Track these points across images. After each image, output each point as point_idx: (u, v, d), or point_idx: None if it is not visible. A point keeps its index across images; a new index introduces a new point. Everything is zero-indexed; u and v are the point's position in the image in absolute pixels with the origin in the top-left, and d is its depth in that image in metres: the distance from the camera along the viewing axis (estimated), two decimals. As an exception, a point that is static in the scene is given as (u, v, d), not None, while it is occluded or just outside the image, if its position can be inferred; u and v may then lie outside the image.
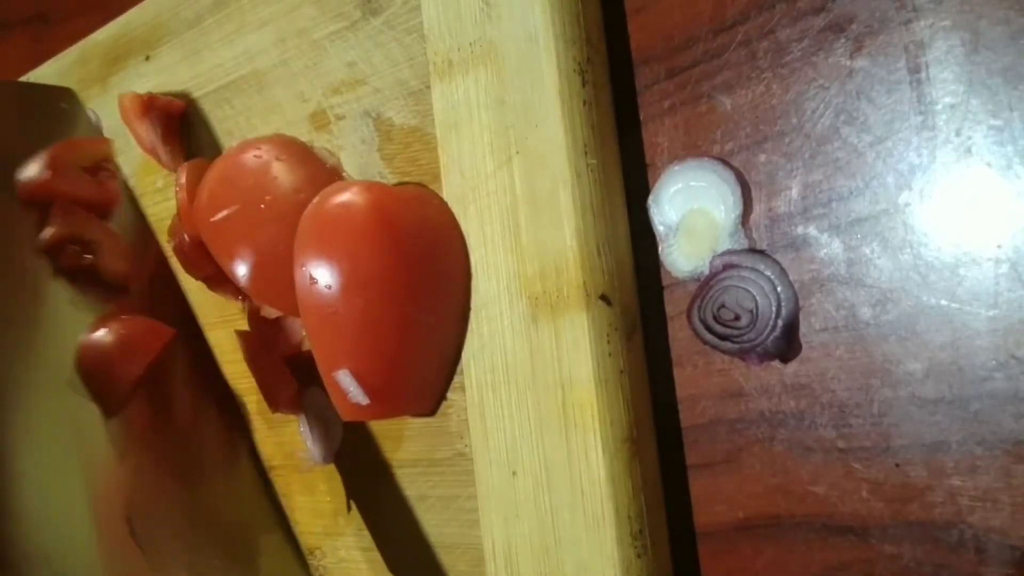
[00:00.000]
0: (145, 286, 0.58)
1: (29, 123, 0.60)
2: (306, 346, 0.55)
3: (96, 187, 0.58)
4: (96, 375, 0.50)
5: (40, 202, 0.54)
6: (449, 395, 0.50)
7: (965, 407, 0.38)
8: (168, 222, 0.63)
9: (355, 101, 0.54)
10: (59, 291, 0.53)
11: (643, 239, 0.46)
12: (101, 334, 0.51)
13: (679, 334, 0.45)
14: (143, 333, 0.53)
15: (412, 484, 0.52)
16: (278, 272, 0.51)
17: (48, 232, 0.53)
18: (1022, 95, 0.37)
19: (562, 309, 0.43)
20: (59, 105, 0.64)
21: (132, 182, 0.70)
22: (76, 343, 0.51)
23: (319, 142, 0.56)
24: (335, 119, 0.55)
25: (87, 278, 0.54)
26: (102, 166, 0.59)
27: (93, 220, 0.55)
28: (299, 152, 0.56)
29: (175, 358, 0.54)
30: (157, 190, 0.67)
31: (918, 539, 0.39)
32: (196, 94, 0.64)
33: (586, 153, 0.44)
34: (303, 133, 0.57)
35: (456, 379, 0.49)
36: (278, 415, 0.58)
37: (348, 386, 0.47)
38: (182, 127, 0.65)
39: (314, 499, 0.58)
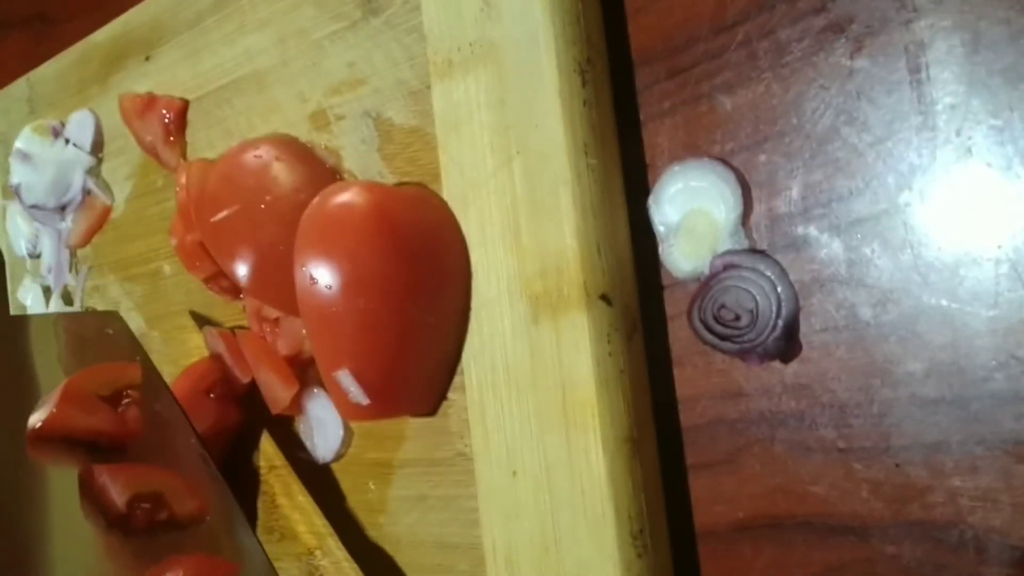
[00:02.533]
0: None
1: (74, 357, 0.57)
2: (306, 346, 0.55)
3: (112, 417, 0.52)
4: None
5: (48, 439, 0.50)
6: (449, 395, 0.50)
7: (965, 407, 0.38)
8: (168, 222, 0.63)
9: (355, 101, 0.54)
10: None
11: (643, 239, 0.46)
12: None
13: (679, 334, 0.45)
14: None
15: (412, 484, 0.52)
16: (278, 272, 0.51)
17: (115, 493, 0.49)
18: (1022, 95, 0.37)
19: (562, 309, 0.43)
20: (104, 331, 0.60)
21: (132, 182, 0.70)
22: None
23: (319, 142, 0.56)
24: (335, 119, 0.55)
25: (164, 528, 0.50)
26: (126, 394, 0.54)
27: (149, 470, 0.51)
28: (299, 152, 0.56)
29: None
30: (157, 190, 0.67)
31: (918, 539, 0.39)
32: (196, 94, 0.64)
33: (586, 153, 0.44)
34: (303, 133, 0.57)
35: (456, 379, 0.49)
36: (278, 415, 0.58)
37: (348, 386, 0.47)
38: (182, 127, 0.65)
39: (315, 498, 0.58)
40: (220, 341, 0.59)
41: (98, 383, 0.53)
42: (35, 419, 0.50)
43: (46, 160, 0.74)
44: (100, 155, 0.73)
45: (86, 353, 0.58)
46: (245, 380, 0.58)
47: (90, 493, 0.48)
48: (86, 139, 0.73)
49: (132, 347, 0.59)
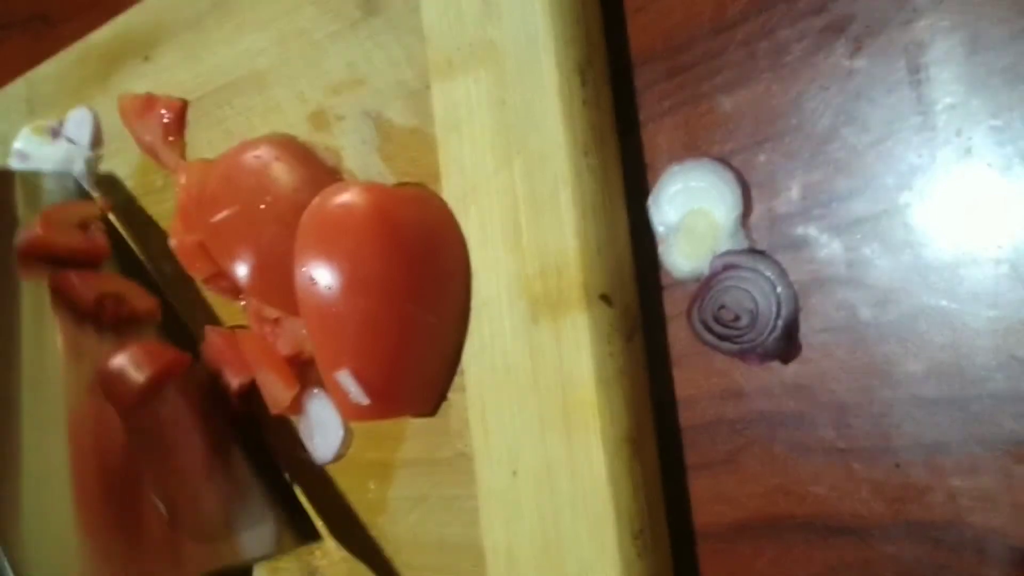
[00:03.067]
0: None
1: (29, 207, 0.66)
2: (307, 346, 0.55)
3: (85, 241, 0.63)
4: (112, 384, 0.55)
5: (36, 256, 0.60)
6: (450, 395, 0.50)
7: (965, 407, 0.38)
8: (168, 222, 0.63)
9: (355, 101, 0.54)
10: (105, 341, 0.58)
11: (643, 240, 0.46)
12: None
13: (679, 334, 0.45)
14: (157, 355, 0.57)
15: (413, 484, 0.52)
16: (278, 272, 0.51)
17: (82, 293, 0.59)
18: (1022, 95, 0.37)
19: (562, 309, 0.43)
20: (64, 187, 0.71)
21: (132, 182, 0.70)
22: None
23: (319, 142, 0.56)
24: (335, 119, 0.55)
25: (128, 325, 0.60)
26: (92, 224, 0.65)
27: (110, 276, 0.62)
28: (299, 153, 0.56)
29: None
30: (157, 190, 0.67)
31: (918, 539, 0.39)
32: (196, 94, 0.64)
33: (586, 153, 0.44)
34: (303, 133, 0.57)
35: (456, 379, 0.49)
36: (279, 415, 0.58)
37: (349, 386, 0.47)
38: (181, 127, 0.65)
39: (315, 499, 0.58)
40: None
41: (68, 215, 0.64)
42: (21, 239, 0.60)
43: (44, 160, 0.74)
44: (99, 152, 0.72)
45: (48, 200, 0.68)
46: (243, 380, 0.58)
47: (62, 294, 0.59)
48: (84, 136, 0.72)
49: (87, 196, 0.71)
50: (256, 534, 0.56)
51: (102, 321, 0.58)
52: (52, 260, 0.60)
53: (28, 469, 0.50)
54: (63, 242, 0.62)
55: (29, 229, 0.61)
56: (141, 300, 0.61)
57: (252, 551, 0.55)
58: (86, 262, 0.62)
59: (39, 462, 0.51)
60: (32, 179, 0.67)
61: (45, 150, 0.75)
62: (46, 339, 0.56)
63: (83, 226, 0.64)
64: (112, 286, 0.61)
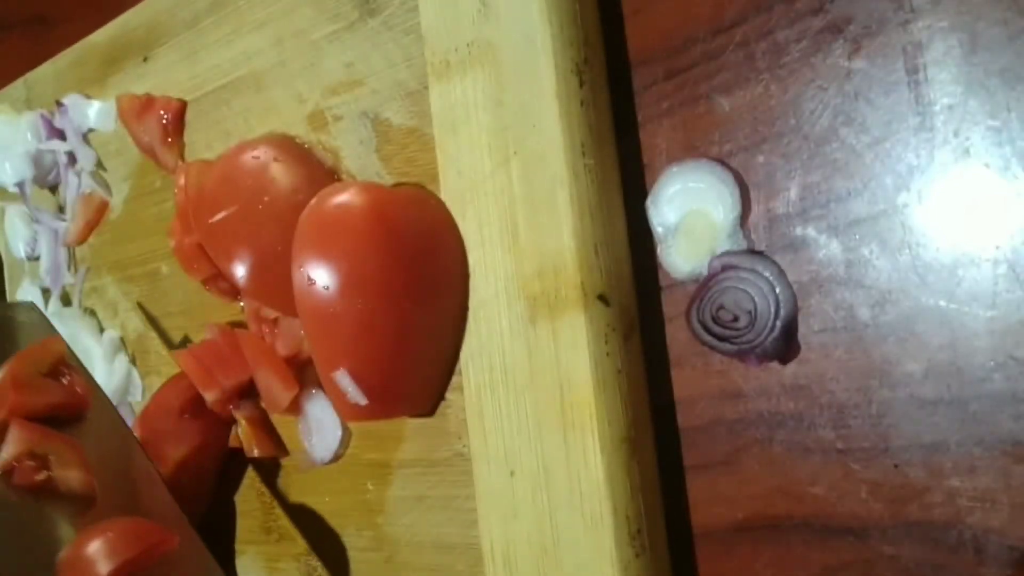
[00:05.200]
0: (126, 486, 0.55)
1: None
2: (305, 347, 0.55)
3: (61, 390, 0.56)
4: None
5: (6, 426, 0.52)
6: (447, 395, 0.50)
7: (964, 408, 0.38)
8: (167, 223, 0.63)
9: (353, 102, 0.54)
10: (23, 512, 0.51)
11: (642, 240, 0.46)
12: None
13: (678, 335, 0.45)
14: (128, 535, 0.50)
15: (411, 484, 0.52)
16: (277, 273, 0.51)
17: (4, 450, 0.51)
18: (1020, 96, 0.37)
19: (560, 309, 0.43)
20: (18, 320, 0.63)
21: (130, 183, 0.70)
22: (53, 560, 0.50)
23: (317, 143, 0.56)
24: (333, 120, 0.55)
25: (50, 494, 0.51)
26: (61, 368, 0.57)
27: (48, 433, 0.52)
28: (297, 153, 0.56)
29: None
30: (156, 191, 0.67)
31: (917, 540, 0.39)
32: (194, 95, 0.64)
33: (584, 154, 0.44)
34: (301, 134, 0.57)
35: (454, 379, 0.49)
36: (278, 415, 0.58)
37: (347, 387, 0.47)
38: (180, 128, 0.65)
39: (314, 499, 0.58)
40: (188, 355, 0.58)
41: (34, 364, 0.55)
42: None
43: (9, 136, 0.75)
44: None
45: (4, 343, 0.60)
46: (241, 379, 0.58)
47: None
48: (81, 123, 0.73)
49: (50, 332, 0.62)
50: None
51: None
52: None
53: None
54: (43, 403, 0.54)
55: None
56: (73, 472, 0.52)
57: None
58: (69, 417, 0.55)
59: None
60: None
61: (9, 127, 0.75)
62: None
63: (54, 373, 0.56)
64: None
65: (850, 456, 0.40)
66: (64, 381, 0.56)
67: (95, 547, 0.48)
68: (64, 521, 0.50)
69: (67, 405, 0.55)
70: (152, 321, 0.66)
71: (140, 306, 0.66)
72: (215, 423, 0.60)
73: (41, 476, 0.50)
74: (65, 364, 0.57)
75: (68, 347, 0.58)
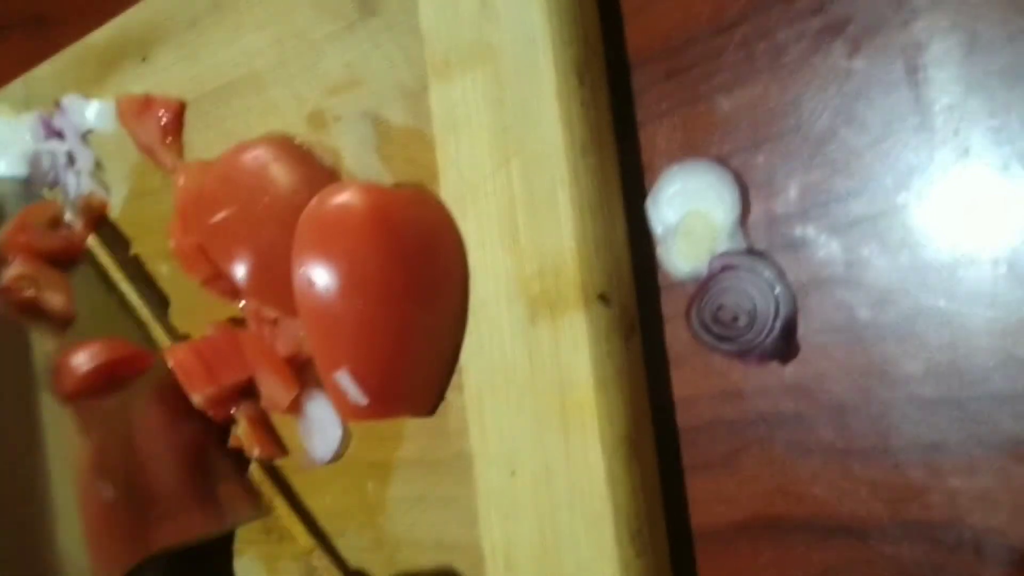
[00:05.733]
0: (105, 321, 0.66)
1: None
2: (305, 347, 0.55)
3: (60, 238, 0.67)
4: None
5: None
6: (448, 395, 0.50)
7: (964, 408, 0.38)
8: (166, 223, 0.63)
9: (353, 102, 0.54)
10: (13, 326, 0.62)
11: (641, 240, 0.46)
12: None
13: (677, 335, 0.45)
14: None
15: (411, 484, 0.52)
16: (277, 273, 0.51)
17: (6, 274, 0.63)
18: (1019, 96, 0.37)
19: (560, 309, 0.43)
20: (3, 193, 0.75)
21: (129, 183, 0.70)
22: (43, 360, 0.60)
23: (317, 143, 0.56)
24: (333, 120, 0.55)
25: (35, 312, 0.63)
26: (59, 221, 0.69)
27: (45, 266, 0.65)
28: (297, 153, 0.56)
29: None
30: (155, 191, 0.67)
31: (917, 540, 0.39)
32: (193, 95, 0.64)
33: (584, 154, 0.44)
34: (301, 134, 0.57)
35: (455, 379, 0.49)
36: (278, 415, 0.58)
37: (347, 387, 0.47)
38: (179, 128, 0.65)
39: (314, 499, 0.58)
40: (189, 349, 0.59)
41: (38, 217, 0.68)
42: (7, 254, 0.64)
43: (7, 136, 0.75)
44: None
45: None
46: (241, 378, 0.58)
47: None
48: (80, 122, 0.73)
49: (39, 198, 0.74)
50: (230, 502, 0.59)
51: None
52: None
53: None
54: (36, 242, 0.66)
55: (4, 232, 0.65)
56: (56, 296, 0.63)
57: (228, 520, 0.59)
58: (66, 261, 0.66)
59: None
60: None
61: (6, 125, 0.76)
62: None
63: (53, 225, 0.68)
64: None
65: (850, 456, 0.40)
66: (62, 232, 0.68)
67: (79, 353, 0.59)
68: (47, 335, 0.61)
69: (64, 250, 0.67)
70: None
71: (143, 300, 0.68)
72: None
73: (29, 293, 0.62)
74: (62, 220, 0.69)
75: (61, 209, 0.70)
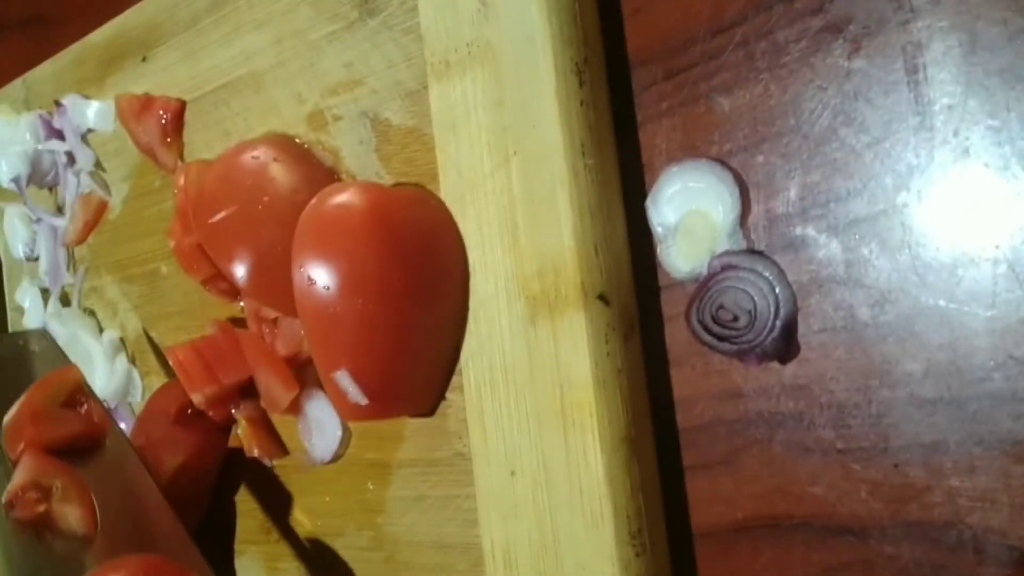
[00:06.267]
0: (136, 517, 0.54)
1: (6, 376, 0.58)
2: (305, 347, 0.55)
3: (78, 420, 0.55)
4: None
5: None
6: (448, 395, 0.50)
7: (963, 407, 0.38)
8: (166, 223, 0.63)
9: (352, 102, 0.54)
10: (24, 545, 0.50)
11: (641, 240, 0.46)
12: None
13: (677, 335, 0.45)
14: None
15: (411, 484, 0.52)
16: (277, 273, 0.51)
17: (9, 486, 0.50)
18: (1019, 96, 0.37)
19: (560, 309, 0.43)
20: (32, 349, 0.63)
21: (129, 183, 0.70)
22: None
23: (317, 143, 0.56)
24: (332, 120, 0.55)
25: (48, 528, 0.50)
26: (78, 396, 0.56)
27: (56, 465, 0.51)
28: (297, 153, 0.56)
29: None
30: (155, 191, 0.67)
31: (917, 539, 0.39)
32: (193, 95, 0.64)
33: (584, 153, 0.44)
34: (301, 134, 0.57)
35: (455, 379, 0.49)
36: (278, 415, 0.58)
37: (347, 387, 0.47)
38: (179, 128, 0.65)
39: (314, 499, 0.58)
40: (189, 349, 0.57)
41: (51, 394, 0.55)
42: (14, 445, 0.51)
43: (8, 136, 0.75)
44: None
45: (20, 372, 0.60)
46: (240, 377, 0.57)
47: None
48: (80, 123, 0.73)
49: (63, 360, 0.62)
50: None
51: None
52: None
53: None
54: (62, 434, 0.53)
55: (13, 425, 0.53)
56: (73, 507, 0.50)
57: None
58: (87, 447, 0.54)
59: None
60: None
61: (8, 127, 0.75)
62: None
63: (71, 402, 0.56)
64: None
65: (850, 456, 0.40)
66: (81, 411, 0.55)
67: None
68: (63, 555, 0.50)
69: (84, 435, 0.55)
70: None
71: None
72: (211, 427, 0.60)
73: (41, 508, 0.49)
74: (82, 392, 0.56)
75: (83, 376, 0.58)
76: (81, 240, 0.74)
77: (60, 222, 0.75)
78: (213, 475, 0.62)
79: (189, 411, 0.59)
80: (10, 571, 0.49)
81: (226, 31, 0.61)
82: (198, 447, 0.59)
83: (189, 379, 0.56)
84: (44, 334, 0.65)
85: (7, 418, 0.53)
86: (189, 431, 0.59)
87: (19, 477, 0.50)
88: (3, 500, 0.49)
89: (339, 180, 0.55)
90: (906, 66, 0.39)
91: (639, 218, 0.45)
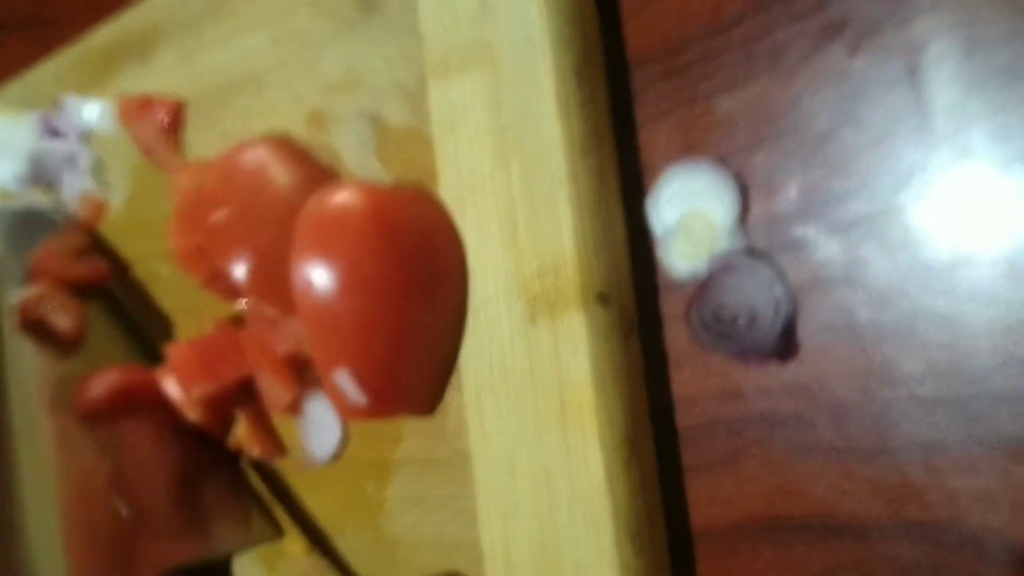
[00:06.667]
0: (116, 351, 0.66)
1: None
2: (304, 346, 0.55)
3: (86, 266, 0.67)
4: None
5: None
6: (447, 395, 0.50)
7: (964, 407, 0.38)
8: (166, 223, 0.63)
9: (352, 102, 0.54)
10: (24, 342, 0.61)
11: (641, 240, 0.46)
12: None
13: (677, 335, 0.45)
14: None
15: (411, 484, 0.52)
16: (276, 273, 0.51)
17: (24, 293, 0.62)
18: (1019, 95, 0.37)
19: (560, 309, 0.43)
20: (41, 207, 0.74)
21: (129, 183, 0.70)
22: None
23: (316, 143, 0.56)
24: (332, 120, 0.55)
25: (46, 332, 0.62)
26: (87, 253, 0.69)
27: (65, 291, 0.64)
28: (296, 153, 0.56)
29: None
30: (155, 191, 0.67)
31: (917, 539, 0.39)
32: (193, 95, 0.64)
33: (583, 154, 0.44)
34: (300, 134, 0.57)
35: (454, 379, 0.49)
36: (278, 415, 0.58)
37: (346, 386, 0.47)
38: (179, 128, 0.65)
39: (314, 499, 0.58)
40: (189, 348, 0.59)
41: (64, 245, 0.68)
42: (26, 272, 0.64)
43: (7, 136, 0.75)
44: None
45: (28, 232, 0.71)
46: (240, 376, 0.57)
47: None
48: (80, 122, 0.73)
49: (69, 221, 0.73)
50: (221, 529, 0.59)
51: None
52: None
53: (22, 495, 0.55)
54: (74, 272, 0.65)
55: (36, 265, 0.64)
56: (65, 319, 0.63)
57: (218, 546, 0.58)
58: (92, 289, 0.66)
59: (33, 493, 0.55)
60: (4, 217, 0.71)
61: (7, 128, 0.75)
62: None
63: (79, 255, 0.68)
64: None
65: (850, 456, 0.40)
66: (87, 263, 0.68)
67: (96, 378, 0.59)
68: (52, 356, 0.61)
69: (91, 277, 0.66)
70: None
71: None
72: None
73: (41, 312, 0.62)
74: (87, 250, 0.69)
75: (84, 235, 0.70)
76: (80, 239, 0.74)
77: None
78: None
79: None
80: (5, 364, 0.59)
81: (226, 31, 0.61)
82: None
83: (189, 377, 0.57)
84: (47, 197, 0.75)
85: (33, 259, 0.65)
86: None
87: (34, 290, 0.62)
88: (18, 304, 0.61)
89: (338, 180, 0.55)
90: (906, 66, 0.39)
91: (639, 218, 0.45)
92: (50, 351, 0.61)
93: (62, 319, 0.62)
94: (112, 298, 0.68)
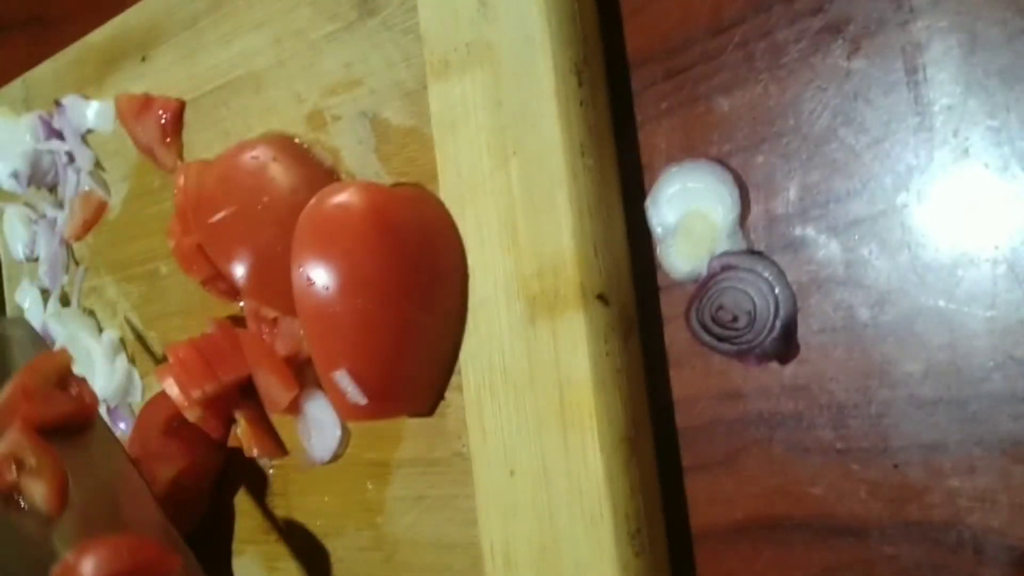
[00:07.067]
0: (120, 499, 0.56)
1: None
2: (304, 347, 0.55)
3: (70, 400, 0.56)
4: None
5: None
6: (447, 395, 0.50)
7: (963, 408, 0.38)
8: (166, 223, 0.63)
9: (352, 102, 0.54)
10: None
11: (641, 241, 0.46)
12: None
13: (677, 335, 0.45)
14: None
15: (410, 484, 0.52)
16: (276, 273, 0.51)
17: None
18: (1019, 96, 0.37)
19: (559, 309, 0.43)
20: (9, 335, 0.65)
21: (129, 183, 0.70)
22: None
23: (316, 143, 0.56)
24: (332, 120, 0.55)
25: (15, 501, 0.51)
26: (69, 378, 0.57)
27: (36, 441, 0.51)
28: (296, 153, 0.56)
29: None
30: (154, 191, 0.67)
31: (917, 540, 0.39)
32: (193, 95, 0.64)
33: (583, 154, 0.44)
34: (300, 134, 0.57)
35: (454, 379, 0.49)
36: (278, 415, 0.58)
37: (346, 386, 0.47)
38: (179, 128, 0.65)
39: (314, 499, 0.58)
40: (189, 347, 0.57)
41: (44, 375, 0.56)
42: (6, 422, 0.52)
43: (7, 137, 0.75)
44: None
45: (6, 358, 0.62)
46: (237, 376, 0.57)
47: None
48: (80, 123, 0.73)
49: (43, 346, 0.65)
50: None
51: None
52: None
53: None
54: (54, 414, 0.54)
55: (8, 404, 0.53)
56: (40, 485, 0.51)
57: None
58: (77, 425, 0.56)
59: None
60: None
61: (7, 127, 0.75)
62: None
63: (63, 384, 0.57)
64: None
65: (850, 456, 0.40)
66: (72, 392, 0.57)
67: (89, 560, 0.48)
68: (30, 530, 0.51)
69: (75, 415, 0.56)
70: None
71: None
72: (202, 437, 0.60)
73: (11, 478, 0.50)
74: (72, 375, 0.57)
75: (72, 359, 0.59)
76: (80, 236, 0.74)
77: (59, 213, 0.75)
78: (209, 483, 0.62)
79: (177, 423, 0.59)
80: None
81: (225, 31, 0.61)
82: (191, 458, 0.60)
83: (189, 376, 0.57)
84: (23, 322, 0.67)
85: (1, 397, 0.54)
86: (181, 442, 0.60)
87: (1, 446, 0.51)
88: None
89: (338, 180, 0.55)
90: (906, 66, 0.39)
91: (639, 218, 0.45)
92: (29, 520, 0.50)
93: (36, 487, 0.51)
94: (100, 425, 0.59)
